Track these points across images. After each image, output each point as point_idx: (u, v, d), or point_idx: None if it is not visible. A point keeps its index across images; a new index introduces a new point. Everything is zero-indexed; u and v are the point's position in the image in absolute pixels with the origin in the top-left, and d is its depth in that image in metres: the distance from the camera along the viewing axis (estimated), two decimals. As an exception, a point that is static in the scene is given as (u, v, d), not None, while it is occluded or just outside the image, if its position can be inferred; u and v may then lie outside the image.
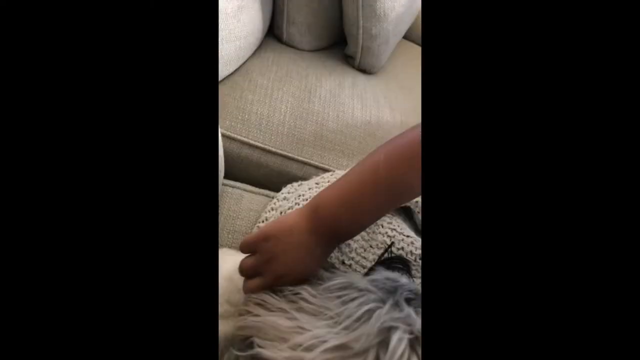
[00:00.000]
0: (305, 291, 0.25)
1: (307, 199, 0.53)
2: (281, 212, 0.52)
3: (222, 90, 0.65)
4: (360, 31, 0.76)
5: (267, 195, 0.58)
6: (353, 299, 0.23)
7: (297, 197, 0.54)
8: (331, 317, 0.23)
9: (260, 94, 0.66)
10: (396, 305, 0.24)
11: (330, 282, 0.25)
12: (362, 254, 0.48)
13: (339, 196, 0.32)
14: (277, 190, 0.57)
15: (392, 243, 0.48)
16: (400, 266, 0.46)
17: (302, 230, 0.30)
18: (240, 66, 0.70)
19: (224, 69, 0.64)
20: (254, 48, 0.73)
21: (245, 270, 0.32)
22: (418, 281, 0.47)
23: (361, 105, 0.73)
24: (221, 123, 0.62)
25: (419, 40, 1.09)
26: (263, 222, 0.53)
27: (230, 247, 0.53)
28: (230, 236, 0.53)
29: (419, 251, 0.47)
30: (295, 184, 0.57)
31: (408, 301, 0.25)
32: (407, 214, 0.53)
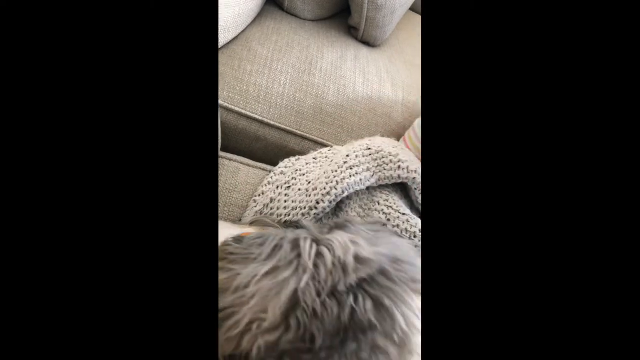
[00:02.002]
0: (231, 246, 0.29)
1: (304, 174, 0.53)
2: (277, 187, 0.52)
3: (220, 60, 0.63)
4: (366, 1, 0.73)
5: (263, 169, 0.57)
6: (268, 238, 0.28)
7: (294, 171, 0.53)
8: (255, 258, 0.27)
9: (260, 65, 0.64)
10: (298, 227, 0.30)
11: (253, 234, 0.30)
12: (358, 230, 0.49)
13: None
14: (275, 164, 0.57)
15: (388, 220, 0.48)
16: None
17: None
18: (239, 34, 0.68)
19: (221, 37, 0.62)
20: (254, 15, 0.70)
21: None
22: None
23: (363, 79, 0.71)
24: (219, 94, 0.61)
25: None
26: (259, 195, 0.53)
27: (226, 220, 0.53)
28: (226, 209, 0.53)
29: (414, 229, 0.47)
30: (292, 159, 0.56)
31: (307, 230, 0.30)
32: (403, 191, 0.53)
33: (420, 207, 0.52)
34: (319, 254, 0.26)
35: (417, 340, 0.24)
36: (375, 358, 0.23)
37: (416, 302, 0.25)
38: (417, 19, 1.01)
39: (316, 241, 0.27)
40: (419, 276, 0.26)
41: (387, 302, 0.24)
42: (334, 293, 0.24)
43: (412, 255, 0.27)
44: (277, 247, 0.27)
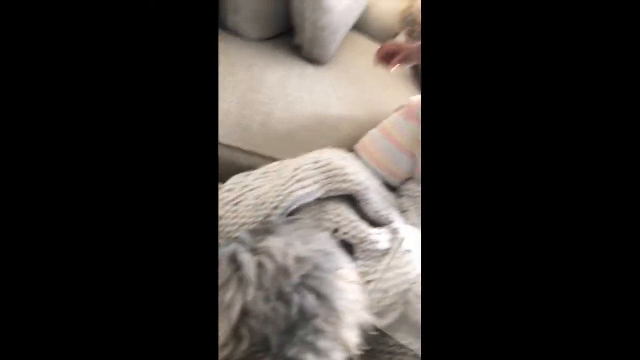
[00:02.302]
0: None
1: (252, 189, 0.52)
2: (226, 204, 0.51)
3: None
4: (308, 22, 0.76)
5: (212, 187, 0.56)
6: None
7: (242, 187, 0.53)
8: None
9: (204, 83, 0.64)
10: (228, 243, 0.30)
11: None
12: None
13: None
14: (224, 181, 0.56)
15: (337, 229, 0.49)
16: (344, 250, 0.47)
17: None
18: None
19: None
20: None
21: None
22: (361, 262, 0.48)
23: (310, 95, 0.73)
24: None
25: (369, 32, 1.11)
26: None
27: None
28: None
29: (363, 235, 0.48)
30: (241, 175, 0.56)
31: (241, 241, 0.31)
32: (351, 202, 0.54)
33: (369, 217, 0.54)
34: (260, 265, 0.27)
35: (349, 317, 0.27)
36: (318, 339, 0.25)
37: (343, 285, 0.28)
38: (361, 40, 1.07)
39: (254, 251, 0.28)
40: (341, 263, 0.29)
41: (325, 291, 0.26)
42: (280, 296, 0.26)
43: (333, 246, 0.31)
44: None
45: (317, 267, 0.27)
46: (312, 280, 0.27)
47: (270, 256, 0.27)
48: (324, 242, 0.31)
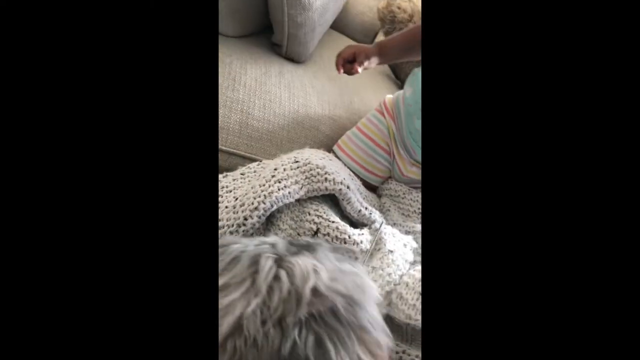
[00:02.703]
0: None
1: (231, 190, 0.51)
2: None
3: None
4: (286, 19, 0.75)
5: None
6: (228, 248, 0.27)
7: (220, 189, 0.51)
8: None
9: (179, 81, 0.62)
10: (261, 243, 0.28)
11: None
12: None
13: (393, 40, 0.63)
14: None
15: (318, 229, 0.48)
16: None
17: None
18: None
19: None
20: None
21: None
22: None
23: (289, 94, 0.72)
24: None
25: (347, 30, 1.11)
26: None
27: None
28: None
29: (344, 235, 0.48)
30: (220, 176, 0.54)
31: (273, 246, 0.28)
32: (333, 201, 0.54)
33: (350, 215, 0.54)
34: (276, 277, 0.24)
35: None
36: None
37: (357, 348, 0.23)
38: (340, 38, 1.06)
39: (278, 261, 0.25)
40: (368, 324, 0.25)
41: (328, 343, 0.23)
42: (280, 323, 0.23)
43: (369, 300, 0.26)
44: (234, 260, 0.26)
45: (333, 312, 0.24)
46: (320, 323, 0.23)
47: (291, 275, 0.24)
48: (359, 288, 0.26)
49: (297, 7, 0.74)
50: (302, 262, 0.25)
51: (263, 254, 0.26)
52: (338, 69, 0.62)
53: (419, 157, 0.62)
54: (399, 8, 0.91)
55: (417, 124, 0.60)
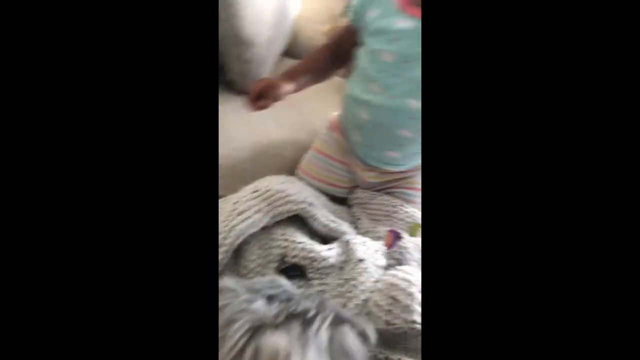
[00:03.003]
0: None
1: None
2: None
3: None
4: (233, 58, 0.79)
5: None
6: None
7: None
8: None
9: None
10: (250, 298, 0.26)
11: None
12: (261, 272, 0.49)
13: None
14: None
15: (285, 254, 0.49)
16: (297, 273, 0.47)
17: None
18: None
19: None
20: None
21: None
22: (317, 282, 0.48)
23: (247, 127, 0.74)
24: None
25: (299, 56, 1.15)
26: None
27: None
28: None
29: (312, 254, 0.49)
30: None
31: (270, 298, 0.26)
32: (299, 223, 0.55)
33: (319, 231, 0.54)
34: (241, 352, 0.23)
35: None
36: None
37: None
38: (293, 64, 1.10)
39: (253, 330, 0.24)
40: None
41: None
42: None
43: None
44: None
45: None
46: None
47: (257, 355, 0.23)
48: None
49: (242, 45, 0.77)
50: (276, 342, 0.23)
51: (240, 318, 0.24)
52: (250, 108, 0.58)
53: (373, 162, 0.64)
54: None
55: (353, 136, 0.62)
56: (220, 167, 0.67)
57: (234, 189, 0.66)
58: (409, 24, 0.51)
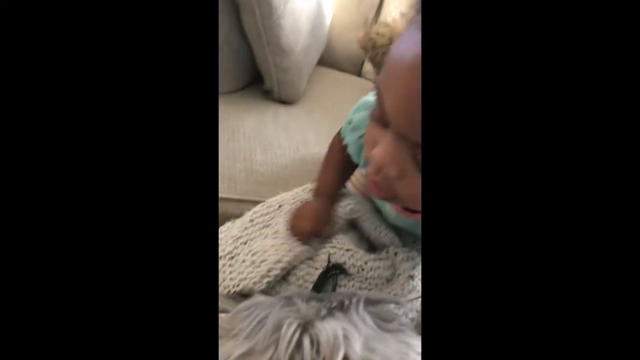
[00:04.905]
0: (221, 319, 0.26)
1: (245, 242, 0.52)
2: (220, 257, 0.51)
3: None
4: (272, 67, 0.80)
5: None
6: (253, 312, 0.25)
7: (234, 240, 0.52)
8: (235, 334, 0.24)
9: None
10: (288, 303, 0.26)
11: (241, 305, 0.26)
12: (310, 280, 0.48)
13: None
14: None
15: (330, 255, 0.48)
16: (337, 271, 0.47)
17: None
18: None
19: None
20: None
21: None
22: (357, 286, 0.47)
23: (286, 134, 0.75)
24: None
25: (335, 64, 1.16)
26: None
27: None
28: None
29: (359, 262, 0.48)
30: (228, 224, 0.55)
31: (304, 298, 0.27)
32: (353, 227, 0.54)
33: (371, 238, 0.53)
34: (299, 345, 0.22)
35: None
36: None
37: None
38: (328, 73, 1.11)
39: (304, 326, 0.23)
40: None
41: None
42: None
43: None
44: (259, 324, 0.24)
45: None
46: None
47: (314, 343, 0.22)
48: (398, 356, 0.23)
49: (280, 54, 0.79)
50: (330, 328, 0.23)
51: (286, 318, 0.24)
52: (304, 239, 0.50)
53: None
54: (377, 34, 0.95)
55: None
56: (262, 173, 0.68)
57: (275, 194, 0.67)
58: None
